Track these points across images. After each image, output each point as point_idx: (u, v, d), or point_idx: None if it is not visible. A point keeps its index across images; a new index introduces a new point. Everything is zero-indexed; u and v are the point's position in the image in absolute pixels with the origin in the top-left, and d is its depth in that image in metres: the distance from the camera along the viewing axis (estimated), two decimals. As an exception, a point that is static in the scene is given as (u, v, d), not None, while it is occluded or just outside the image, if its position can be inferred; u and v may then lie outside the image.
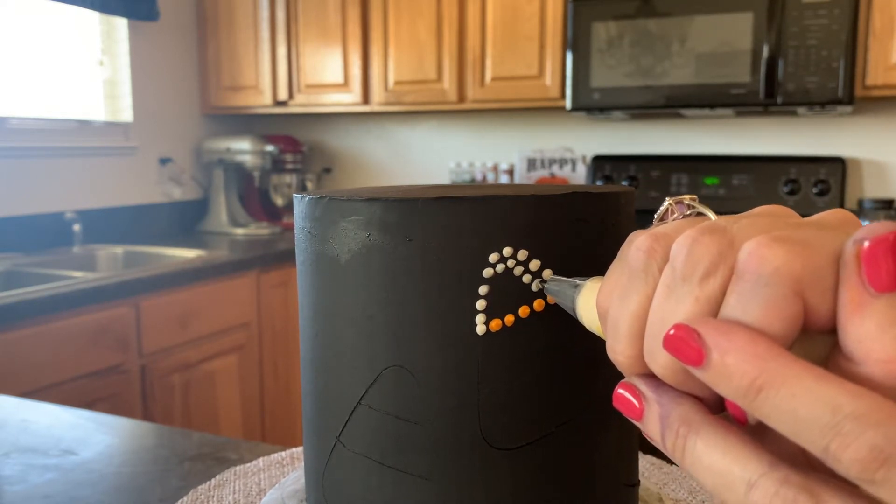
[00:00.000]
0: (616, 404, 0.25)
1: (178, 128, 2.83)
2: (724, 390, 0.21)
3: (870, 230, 0.20)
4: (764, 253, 0.20)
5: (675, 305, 0.22)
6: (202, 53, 2.86)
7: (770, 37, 2.02)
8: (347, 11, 2.58)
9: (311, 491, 0.40)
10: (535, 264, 0.33)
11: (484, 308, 0.33)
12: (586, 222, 0.35)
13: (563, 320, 0.34)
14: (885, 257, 0.19)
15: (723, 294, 0.22)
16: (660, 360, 0.23)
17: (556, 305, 0.34)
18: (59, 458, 0.67)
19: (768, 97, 2.04)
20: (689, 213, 0.27)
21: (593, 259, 0.35)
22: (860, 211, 2.19)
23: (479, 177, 2.74)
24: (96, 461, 0.67)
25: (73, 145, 2.43)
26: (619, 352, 0.25)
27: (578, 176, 2.62)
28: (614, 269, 0.26)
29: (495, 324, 0.33)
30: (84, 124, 2.49)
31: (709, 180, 2.38)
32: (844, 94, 1.96)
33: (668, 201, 0.27)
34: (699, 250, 0.22)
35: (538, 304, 0.34)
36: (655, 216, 0.28)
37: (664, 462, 0.60)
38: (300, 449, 0.63)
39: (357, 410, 0.35)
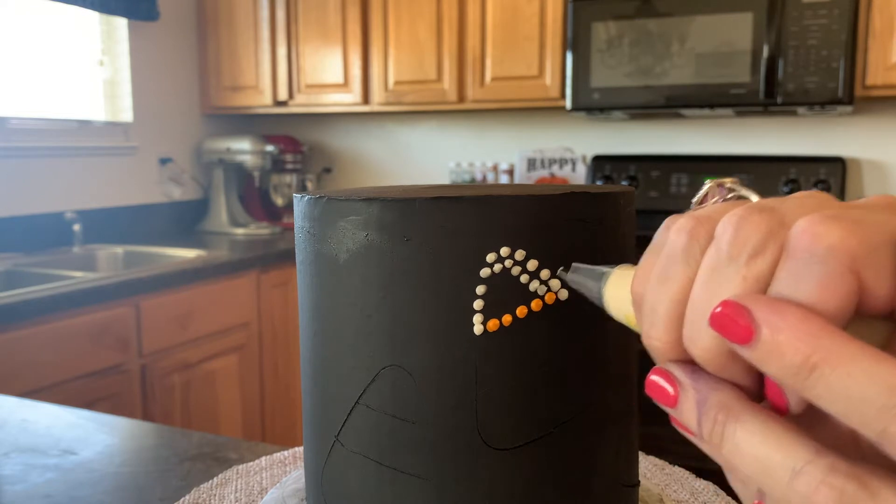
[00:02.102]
0: (648, 391, 0.24)
1: (178, 128, 2.83)
2: (773, 369, 0.20)
3: None
4: (818, 230, 0.20)
5: (720, 286, 0.22)
6: (202, 53, 2.86)
7: (770, 37, 2.02)
8: (347, 11, 2.58)
9: (311, 490, 0.40)
10: (532, 264, 0.33)
11: (481, 308, 0.33)
12: (585, 222, 0.35)
13: (560, 321, 0.34)
14: None
15: (772, 274, 0.21)
16: (700, 344, 0.22)
17: (553, 306, 0.34)
18: (59, 457, 0.67)
19: (768, 97, 2.04)
20: (729, 196, 0.26)
21: (592, 259, 0.35)
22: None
23: (479, 177, 2.74)
24: (96, 461, 0.67)
25: (73, 145, 2.43)
26: (655, 337, 0.24)
27: (578, 176, 2.62)
28: (649, 253, 0.25)
29: (493, 324, 0.33)
30: (84, 124, 2.49)
31: (709, 180, 2.38)
32: (844, 94, 1.96)
33: (708, 183, 0.27)
34: (748, 228, 0.21)
35: (536, 305, 0.34)
36: (694, 200, 0.27)
37: (666, 463, 0.60)
38: (303, 448, 0.64)
39: (355, 410, 0.36)
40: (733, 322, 0.20)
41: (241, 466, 0.62)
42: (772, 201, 0.22)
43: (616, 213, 0.36)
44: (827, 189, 2.22)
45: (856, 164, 2.29)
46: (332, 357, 0.36)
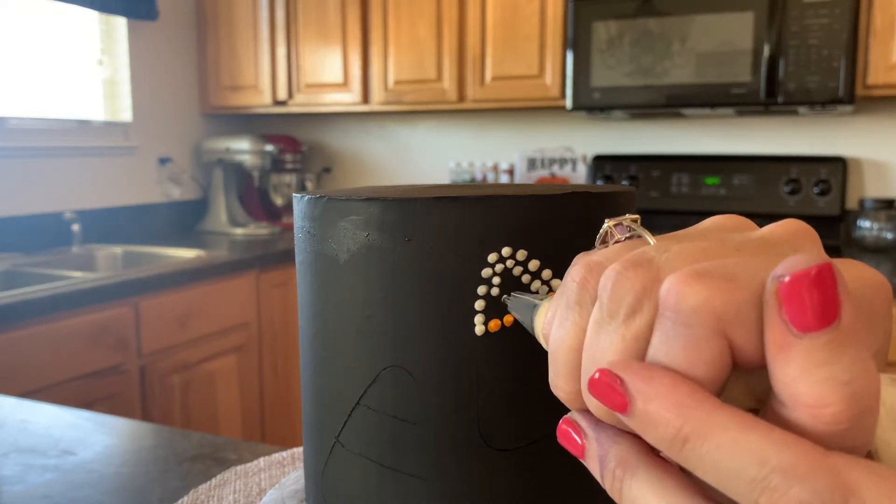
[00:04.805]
0: (560, 440, 0.24)
1: (178, 128, 2.83)
2: (651, 439, 0.20)
3: (790, 264, 0.18)
4: (682, 290, 0.19)
5: (604, 343, 0.21)
6: (202, 53, 2.85)
7: (771, 36, 2.01)
8: (347, 11, 2.58)
9: (311, 491, 0.39)
10: (534, 264, 0.33)
11: (483, 308, 0.33)
12: (586, 222, 0.35)
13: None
14: (807, 294, 0.18)
15: (650, 331, 0.21)
16: (592, 402, 0.22)
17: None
18: (58, 458, 0.67)
19: (769, 96, 2.04)
20: (630, 234, 0.25)
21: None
22: (861, 211, 2.19)
23: (479, 177, 2.74)
24: (95, 461, 0.66)
25: (72, 145, 2.43)
26: (559, 387, 0.23)
27: (579, 176, 2.62)
28: (558, 294, 0.24)
29: (494, 324, 0.33)
30: (83, 124, 2.49)
31: (709, 180, 2.38)
32: (845, 94, 1.96)
33: (607, 224, 0.26)
34: (624, 285, 0.21)
35: (538, 305, 0.33)
36: (597, 238, 0.26)
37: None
38: (302, 449, 0.63)
39: (356, 411, 0.35)
40: (610, 390, 0.20)
41: (239, 467, 0.62)
42: (656, 249, 0.22)
43: (617, 213, 0.36)
44: (828, 189, 2.22)
45: (857, 164, 2.29)
46: (332, 358, 0.36)
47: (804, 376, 0.18)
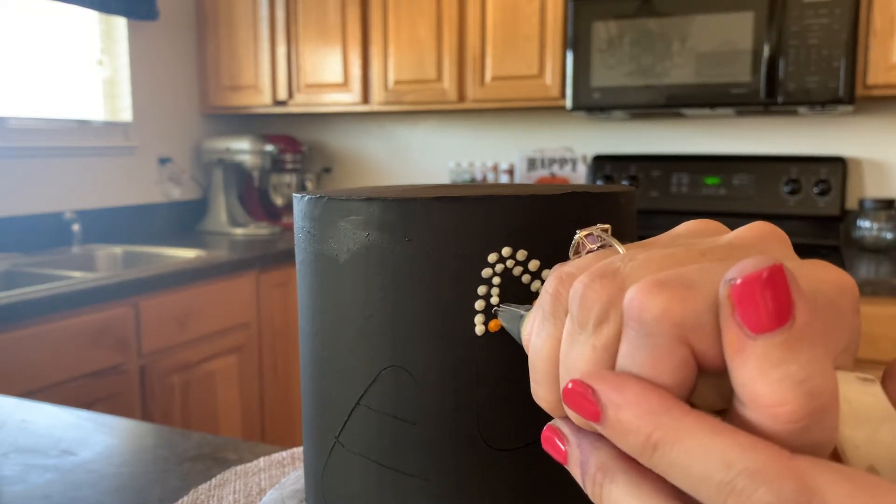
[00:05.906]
0: (544, 446, 0.24)
1: (178, 128, 2.83)
2: (624, 447, 0.20)
3: (742, 267, 0.19)
4: (643, 300, 0.20)
5: (576, 354, 0.22)
6: (202, 53, 2.85)
7: (771, 36, 2.01)
8: (347, 11, 2.58)
9: (311, 491, 0.39)
10: (534, 264, 0.33)
11: (483, 308, 0.33)
12: (586, 223, 0.34)
13: (562, 320, 0.33)
14: (759, 296, 0.18)
15: (619, 339, 0.21)
16: (570, 412, 0.22)
17: (555, 306, 0.33)
18: (58, 458, 0.67)
19: (769, 97, 2.04)
20: (601, 244, 0.26)
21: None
22: (861, 211, 2.19)
23: (479, 177, 2.74)
24: (96, 461, 0.66)
25: (72, 145, 2.43)
26: (540, 396, 0.24)
27: (579, 176, 2.62)
28: (536, 305, 0.25)
29: (494, 324, 0.33)
30: (83, 124, 2.49)
31: (709, 180, 2.38)
32: (845, 94, 1.96)
33: (578, 234, 0.26)
34: (590, 297, 0.21)
35: (538, 305, 0.33)
36: (570, 249, 0.27)
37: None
38: (302, 449, 0.63)
39: (356, 411, 0.35)
40: (583, 400, 0.21)
41: (239, 467, 0.62)
42: (622, 259, 0.22)
43: (617, 213, 0.36)
44: (828, 189, 2.22)
45: (857, 164, 2.29)
46: (332, 358, 0.36)
47: (760, 376, 0.18)
